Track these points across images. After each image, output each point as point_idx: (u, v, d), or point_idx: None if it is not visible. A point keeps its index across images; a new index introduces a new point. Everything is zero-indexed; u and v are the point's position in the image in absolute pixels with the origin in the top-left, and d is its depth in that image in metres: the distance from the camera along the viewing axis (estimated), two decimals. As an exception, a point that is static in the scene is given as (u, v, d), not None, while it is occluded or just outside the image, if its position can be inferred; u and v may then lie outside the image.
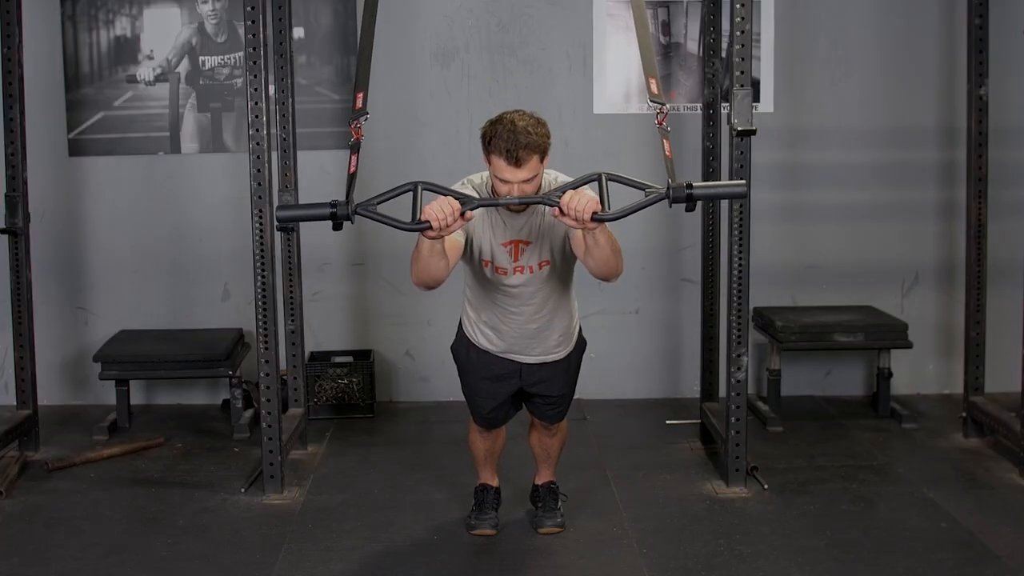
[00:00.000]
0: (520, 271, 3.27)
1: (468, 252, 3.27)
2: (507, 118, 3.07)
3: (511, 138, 3.02)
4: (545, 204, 3.00)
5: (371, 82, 3.19)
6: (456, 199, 2.94)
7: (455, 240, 3.14)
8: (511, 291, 3.30)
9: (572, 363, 3.53)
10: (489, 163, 3.11)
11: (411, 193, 2.95)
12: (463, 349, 3.52)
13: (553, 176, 3.25)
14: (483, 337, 3.44)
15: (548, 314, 3.36)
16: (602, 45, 5.20)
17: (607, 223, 2.95)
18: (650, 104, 3.16)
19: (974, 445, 4.58)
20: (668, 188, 2.93)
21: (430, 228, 2.90)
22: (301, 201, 4.57)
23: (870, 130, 5.25)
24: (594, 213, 2.89)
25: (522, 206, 3.15)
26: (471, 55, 5.18)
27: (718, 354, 4.62)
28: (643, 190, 2.94)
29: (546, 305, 3.34)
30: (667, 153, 3.06)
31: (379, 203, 2.94)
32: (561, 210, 2.92)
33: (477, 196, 3.12)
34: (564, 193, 2.94)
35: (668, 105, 3.14)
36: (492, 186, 3.18)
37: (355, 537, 3.70)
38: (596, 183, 2.98)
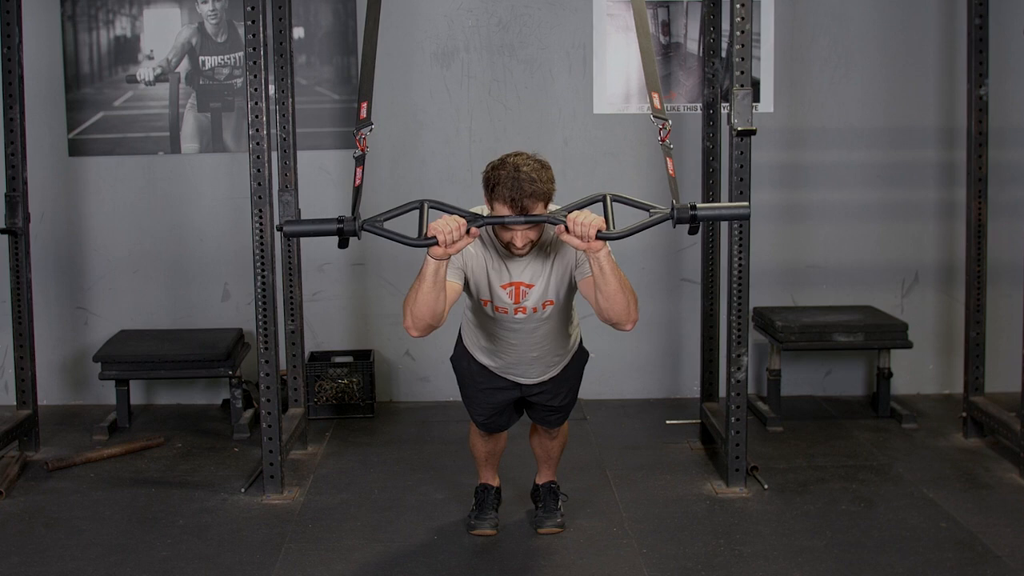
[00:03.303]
0: (523, 311, 3.22)
1: (466, 289, 3.24)
2: (510, 163, 3.00)
3: (515, 187, 2.95)
4: (551, 223, 2.99)
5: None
6: (462, 217, 2.95)
7: (453, 284, 3.10)
8: (511, 326, 3.28)
9: (573, 374, 3.51)
10: (491, 208, 3.04)
11: (417, 211, 2.97)
12: (464, 362, 3.51)
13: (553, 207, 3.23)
14: (482, 355, 3.44)
15: (549, 343, 3.35)
16: (602, 45, 5.20)
17: (611, 241, 2.95)
18: (652, 120, 3.14)
19: (974, 445, 4.57)
20: (673, 209, 2.94)
21: (436, 244, 2.90)
22: (302, 202, 4.58)
23: (870, 130, 5.25)
24: (598, 231, 2.89)
25: (523, 250, 3.10)
26: (471, 55, 5.18)
27: (718, 354, 4.62)
28: (647, 211, 2.96)
29: (547, 338, 3.33)
30: (670, 172, 3.04)
31: (385, 219, 2.94)
32: (566, 228, 2.92)
33: (481, 216, 3.12)
34: (568, 214, 2.94)
35: (671, 122, 3.11)
36: (495, 231, 3.12)
37: (355, 537, 3.70)
38: (600, 204, 2.99)
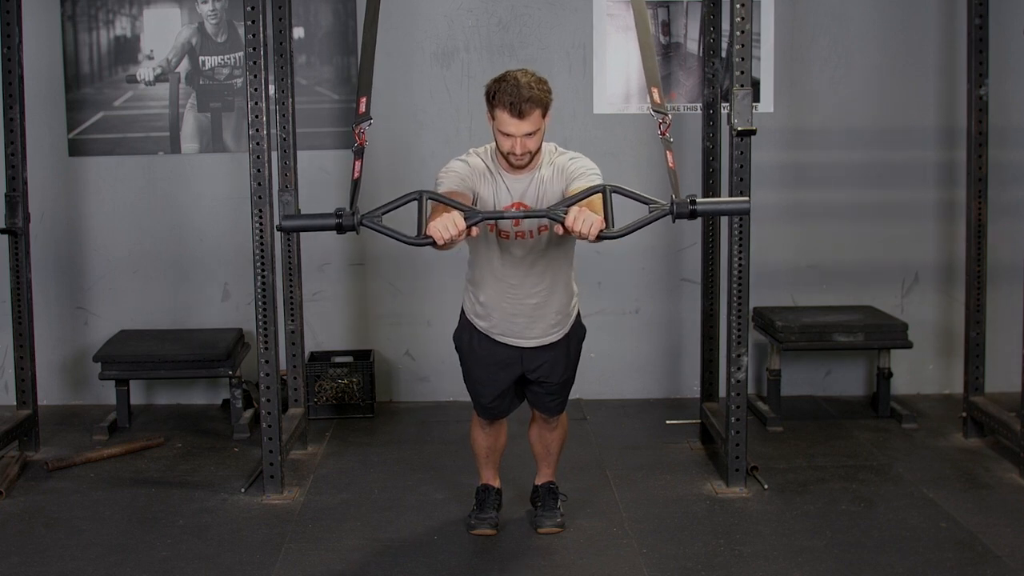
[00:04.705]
0: (521, 236, 3.30)
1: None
2: (511, 75, 3.17)
3: (515, 92, 3.11)
4: (550, 219, 3.03)
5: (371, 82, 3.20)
6: (460, 211, 2.96)
7: (466, 196, 3.23)
8: (512, 259, 3.33)
9: (572, 348, 3.54)
10: (492, 118, 3.19)
11: (415, 202, 2.97)
12: (465, 335, 3.53)
13: (552, 147, 3.34)
14: (482, 319, 3.45)
15: (547, 288, 3.38)
16: (602, 45, 5.20)
17: (612, 239, 2.99)
18: (653, 114, 3.19)
19: (974, 445, 4.57)
20: (672, 204, 2.97)
21: (434, 244, 2.94)
22: (302, 202, 4.58)
23: (870, 130, 5.25)
24: (600, 232, 2.94)
25: (521, 165, 3.21)
26: (471, 55, 5.18)
27: (718, 354, 4.62)
28: (647, 204, 2.98)
29: (545, 278, 3.36)
30: (670, 165, 3.12)
31: (384, 213, 2.95)
32: (564, 227, 2.97)
33: (483, 169, 3.25)
34: (568, 210, 2.97)
35: (671, 116, 3.17)
36: (495, 145, 3.25)
37: (355, 537, 3.70)
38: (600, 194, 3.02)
